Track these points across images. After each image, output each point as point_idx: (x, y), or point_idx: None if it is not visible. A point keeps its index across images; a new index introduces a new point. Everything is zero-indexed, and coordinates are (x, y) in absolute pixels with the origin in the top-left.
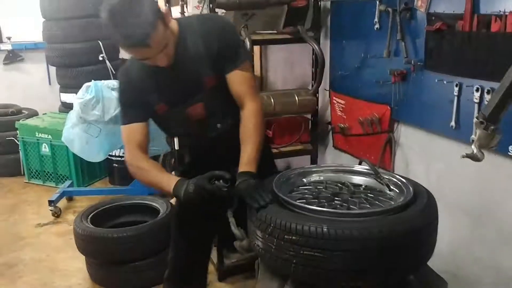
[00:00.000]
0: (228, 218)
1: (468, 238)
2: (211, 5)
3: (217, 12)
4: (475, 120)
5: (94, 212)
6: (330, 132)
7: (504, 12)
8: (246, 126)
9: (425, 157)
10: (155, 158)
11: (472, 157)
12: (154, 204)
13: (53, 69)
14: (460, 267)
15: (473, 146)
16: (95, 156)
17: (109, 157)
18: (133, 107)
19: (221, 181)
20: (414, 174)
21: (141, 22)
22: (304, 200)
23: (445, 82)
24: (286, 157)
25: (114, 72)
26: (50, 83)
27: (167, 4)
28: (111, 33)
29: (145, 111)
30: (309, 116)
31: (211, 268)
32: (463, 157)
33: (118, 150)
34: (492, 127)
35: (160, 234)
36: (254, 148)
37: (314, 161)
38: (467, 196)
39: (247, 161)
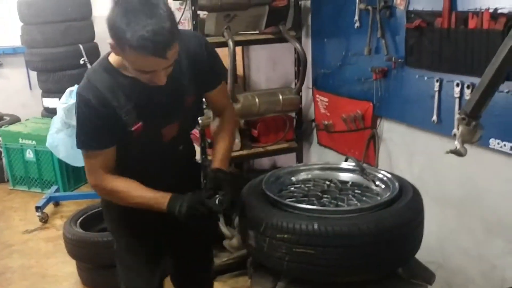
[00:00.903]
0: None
1: (453, 229)
2: (193, 7)
3: (199, 15)
4: (457, 116)
5: (83, 217)
6: (315, 130)
7: (480, 9)
8: (225, 126)
9: (408, 152)
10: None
11: (456, 152)
12: None
13: (33, 74)
14: (446, 257)
15: (456, 142)
16: (81, 160)
17: None
18: (106, 128)
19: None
20: (398, 168)
21: (165, 28)
22: (294, 199)
23: (425, 78)
24: (271, 155)
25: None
26: (31, 88)
27: None
28: (122, 32)
29: (120, 132)
30: (293, 114)
31: None
32: (447, 153)
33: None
34: (474, 123)
35: None
36: (228, 147)
37: (299, 158)
38: (451, 188)
39: (221, 157)
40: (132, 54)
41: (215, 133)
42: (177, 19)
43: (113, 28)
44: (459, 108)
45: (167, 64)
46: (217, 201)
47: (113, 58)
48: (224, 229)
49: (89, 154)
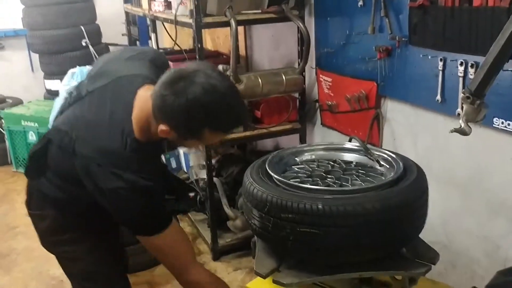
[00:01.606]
0: (221, 198)
1: (457, 209)
2: None
3: None
4: (461, 95)
5: None
6: (318, 110)
7: None
8: None
9: (412, 131)
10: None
11: (460, 131)
12: None
13: (35, 56)
14: (450, 238)
15: (460, 121)
16: None
17: None
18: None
19: None
20: (402, 148)
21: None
22: (298, 179)
23: (429, 57)
24: (275, 137)
25: (97, 57)
26: (33, 71)
27: None
28: (227, 114)
29: None
30: (296, 95)
31: (205, 248)
32: (452, 131)
33: None
34: (478, 102)
35: None
36: None
37: (303, 139)
38: (455, 168)
39: None
40: (213, 136)
41: None
42: None
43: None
44: (463, 87)
45: None
46: None
47: (138, 134)
48: (228, 210)
49: (172, 234)
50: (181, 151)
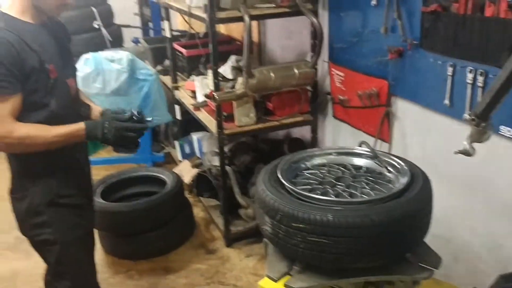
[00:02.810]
0: (233, 186)
1: (461, 207)
2: None
3: None
4: (466, 117)
5: (102, 186)
6: (330, 102)
7: None
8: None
9: (421, 131)
10: (157, 127)
11: (464, 152)
12: (160, 175)
13: None
14: (453, 233)
15: (465, 142)
16: None
17: None
18: (24, 68)
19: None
20: (411, 146)
21: None
22: (309, 187)
23: (439, 62)
24: (286, 128)
25: (110, 40)
26: None
27: None
28: None
29: (38, 72)
30: (308, 87)
31: (218, 234)
32: (456, 153)
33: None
34: (483, 124)
35: (168, 206)
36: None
37: (314, 131)
38: (461, 169)
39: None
40: None
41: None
42: None
43: None
44: (472, 94)
45: None
46: (134, 116)
47: (12, 10)
48: (240, 198)
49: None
50: (195, 137)
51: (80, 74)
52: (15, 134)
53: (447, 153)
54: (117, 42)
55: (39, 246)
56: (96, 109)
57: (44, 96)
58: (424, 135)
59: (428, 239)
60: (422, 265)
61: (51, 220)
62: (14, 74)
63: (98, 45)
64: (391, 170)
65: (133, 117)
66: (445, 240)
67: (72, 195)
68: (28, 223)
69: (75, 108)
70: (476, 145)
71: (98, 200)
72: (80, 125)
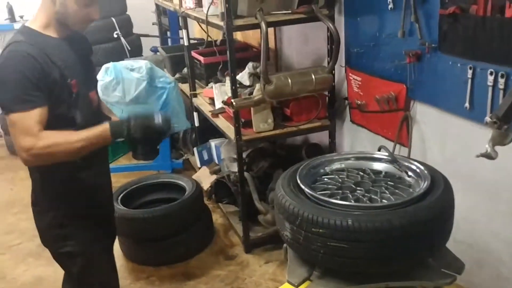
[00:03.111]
0: (252, 193)
1: (484, 212)
2: None
3: None
4: (488, 120)
5: (123, 193)
6: (347, 107)
7: None
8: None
9: (441, 135)
10: (176, 134)
11: (486, 155)
12: (179, 182)
13: None
14: (476, 238)
15: (487, 146)
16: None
17: None
18: (47, 81)
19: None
20: (431, 150)
21: None
22: (329, 192)
23: (459, 64)
24: (304, 134)
25: (129, 49)
26: None
27: None
28: None
29: (60, 86)
30: (326, 92)
31: (237, 240)
32: (478, 156)
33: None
34: (505, 127)
35: (188, 212)
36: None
37: (332, 136)
38: (483, 173)
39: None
40: None
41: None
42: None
43: None
44: (493, 96)
45: None
46: (160, 120)
47: (35, 25)
48: (258, 205)
49: (23, 115)
50: (213, 143)
51: (100, 83)
52: (39, 144)
53: (468, 157)
54: (136, 52)
55: (62, 258)
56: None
57: (68, 110)
58: (444, 139)
59: (451, 245)
60: (445, 270)
61: (74, 233)
62: (39, 87)
63: (118, 55)
64: (411, 174)
65: (158, 118)
66: (468, 245)
67: (95, 207)
68: (51, 235)
69: (97, 120)
70: (498, 149)
71: (119, 207)
72: (104, 126)
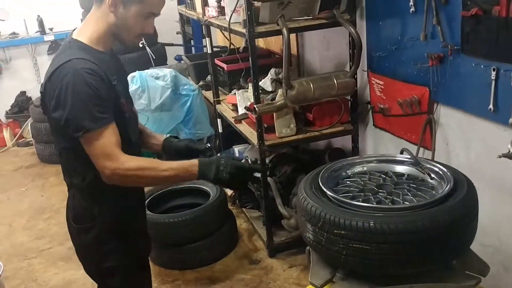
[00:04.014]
0: (275, 197)
1: (510, 214)
2: None
3: (253, 3)
4: (511, 120)
5: (149, 198)
6: (370, 111)
7: None
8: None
9: (465, 138)
10: (200, 141)
11: (509, 156)
12: (204, 187)
13: None
14: (503, 241)
15: (509, 146)
16: None
17: None
18: (110, 99)
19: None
20: (455, 153)
21: None
22: (351, 194)
23: (482, 66)
24: (327, 139)
25: (154, 58)
26: None
27: None
28: None
29: (116, 105)
30: (348, 97)
31: (261, 245)
32: (499, 157)
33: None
34: None
35: (213, 217)
36: None
37: (355, 140)
38: (508, 175)
39: (157, 135)
40: None
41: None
42: (233, 7)
43: None
44: None
45: (162, 9)
46: (249, 161)
47: (84, 37)
48: (282, 209)
49: (100, 133)
50: (236, 149)
51: None
52: (126, 165)
53: (493, 159)
54: (161, 60)
55: (101, 274)
56: (157, 137)
57: (123, 129)
58: (468, 142)
59: (477, 248)
60: (469, 272)
61: (116, 247)
62: (107, 105)
63: (144, 64)
64: (434, 176)
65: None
66: (494, 249)
67: (134, 222)
68: (92, 251)
69: (139, 136)
70: None
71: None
72: (193, 162)
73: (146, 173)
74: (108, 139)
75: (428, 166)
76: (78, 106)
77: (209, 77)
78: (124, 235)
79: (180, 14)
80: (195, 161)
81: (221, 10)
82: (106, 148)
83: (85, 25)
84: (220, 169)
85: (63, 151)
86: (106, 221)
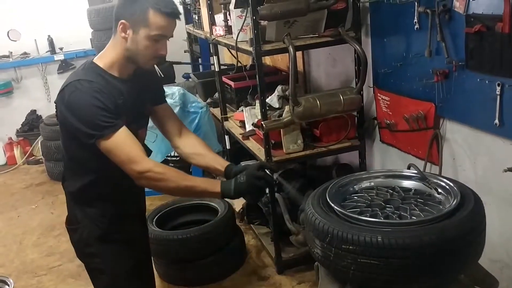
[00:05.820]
0: (283, 214)
1: None
2: (254, 17)
3: (259, 23)
4: None
5: (158, 215)
6: (377, 127)
7: None
8: (204, 146)
9: (472, 153)
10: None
11: None
12: (212, 203)
13: None
14: (511, 256)
15: None
16: (154, 159)
17: (166, 157)
18: (116, 111)
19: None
20: (462, 168)
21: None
22: (358, 210)
23: (487, 81)
24: (334, 154)
25: (163, 76)
26: None
27: (210, 12)
28: (147, 3)
29: None
30: (355, 113)
31: (270, 261)
32: (505, 171)
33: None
34: None
35: (221, 233)
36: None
37: (362, 156)
38: None
39: (221, 159)
40: (157, 20)
41: (200, 153)
42: (240, 26)
43: (137, 2)
44: None
45: (173, 31)
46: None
47: (102, 62)
48: (290, 225)
49: (122, 137)
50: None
51: None
52: (155, 169)
53: (500, 173)
54: (169, 78)
55: (92, 273)
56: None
57: None
58: (474, 156)
59: (486, 264)
60: (477, 287)
61: (99, 252)
62: (117, 112)
63: None
64: (441, 191)
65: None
66: (504, 264)
67: (123, 230)
68: (81, 251)
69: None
70: None
71: (154, 228)
72: (216, 182)
73: (168, 182)
74: (130, 142)
75: (435, 181)
76: (88, 116)
77: (216, 95)
78: (109, 243)
79: (188, 33)
80: (217, 182)
81: (228, 29)
82: (131, 152)
83: (105, 51)
84: (238, 180)
85: (66, 156)
86: (88, 226)
